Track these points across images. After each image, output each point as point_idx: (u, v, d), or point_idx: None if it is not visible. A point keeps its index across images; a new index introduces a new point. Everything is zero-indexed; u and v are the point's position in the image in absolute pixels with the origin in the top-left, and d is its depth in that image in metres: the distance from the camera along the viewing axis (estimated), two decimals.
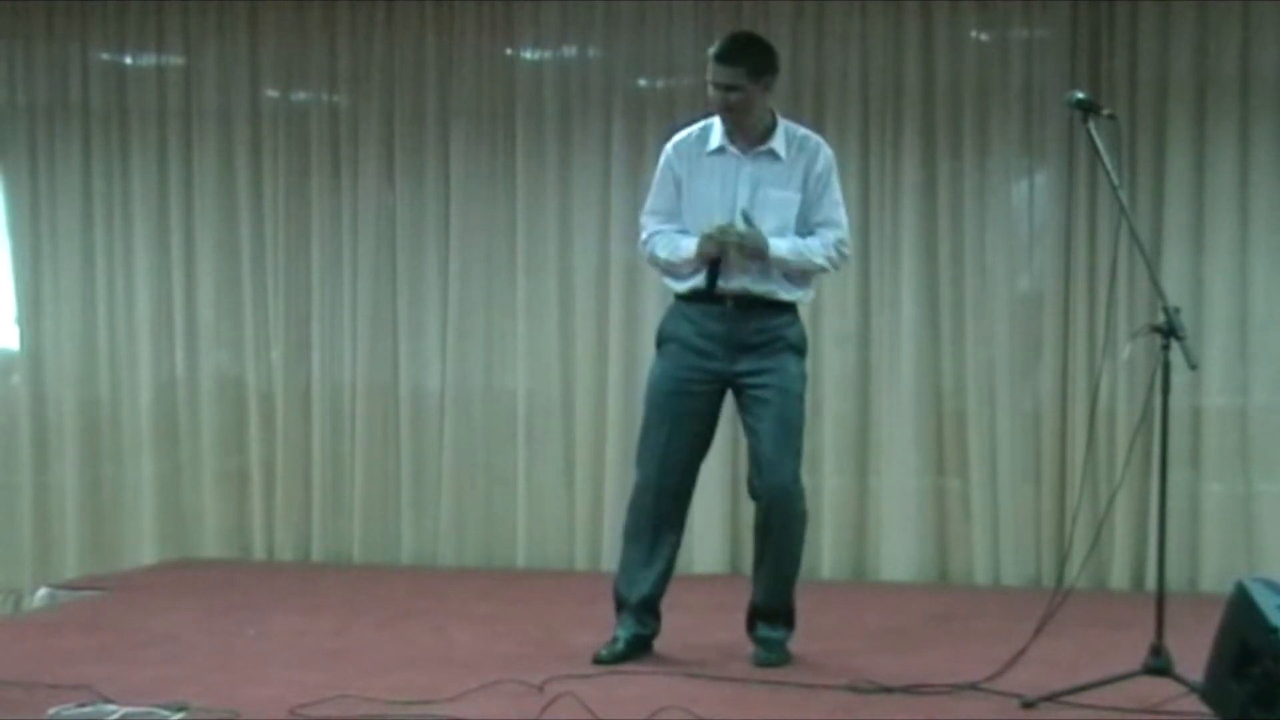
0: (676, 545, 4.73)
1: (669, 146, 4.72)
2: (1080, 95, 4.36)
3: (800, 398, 4.65)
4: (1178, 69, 6.29)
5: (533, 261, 6.86)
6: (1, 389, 7.47)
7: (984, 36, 6.53)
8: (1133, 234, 4.44)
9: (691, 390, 4.61)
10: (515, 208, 6.88)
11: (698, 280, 4.59)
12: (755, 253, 4.50)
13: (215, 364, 7.19)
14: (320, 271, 7.06)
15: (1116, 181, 4.27)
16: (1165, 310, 4.07)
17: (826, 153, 4.68)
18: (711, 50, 4.56)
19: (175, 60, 7.20)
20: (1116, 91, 6.25)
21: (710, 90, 4.55)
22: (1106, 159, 4.24)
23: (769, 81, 4.57)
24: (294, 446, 7.07)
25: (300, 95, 7.12)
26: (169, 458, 7.19)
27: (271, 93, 7.13)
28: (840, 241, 4.66)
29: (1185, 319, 4.12)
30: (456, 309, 6.95)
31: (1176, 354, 4.05)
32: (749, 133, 4.58)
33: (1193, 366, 4.08)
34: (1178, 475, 5.94)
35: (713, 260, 4.53)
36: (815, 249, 4.61)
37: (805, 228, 4.62)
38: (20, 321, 7.36)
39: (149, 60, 7.23)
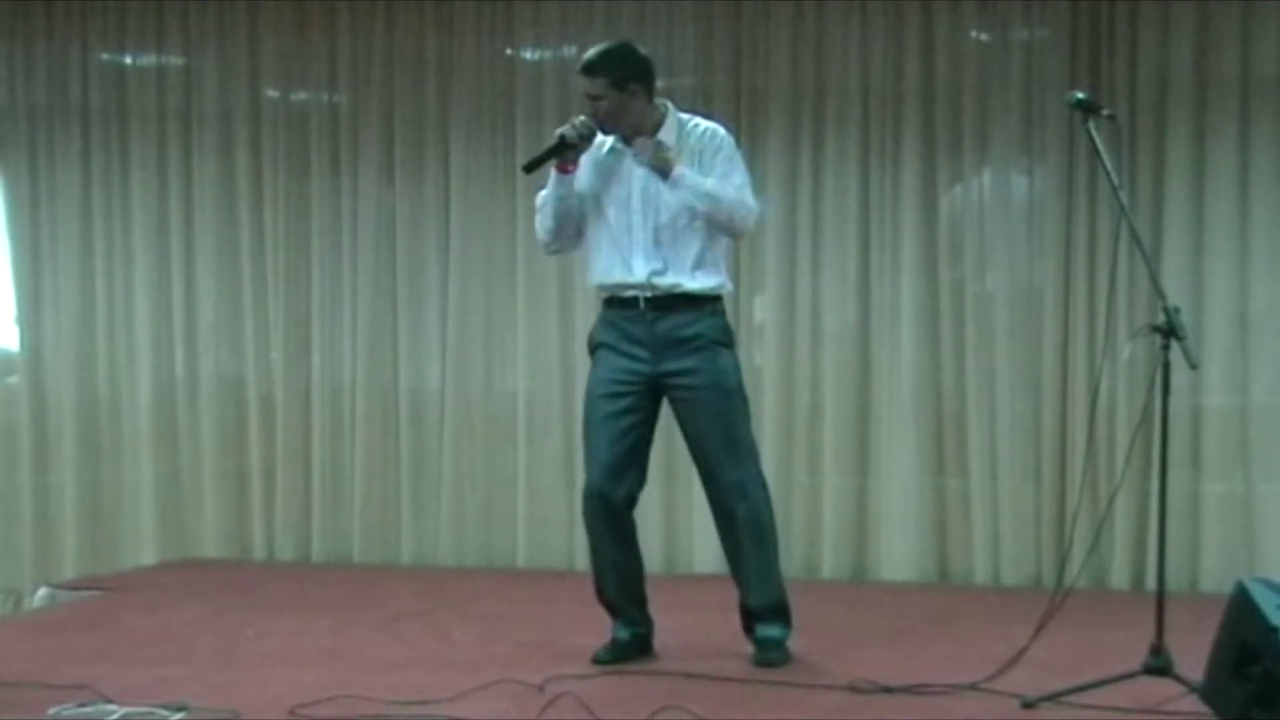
0: (634, 541, 4.71)
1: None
2: (1080, 95, 4.36)
3: (734, 391, 4.63)
4: (1178, 69, 6.28)
5: (532, 261, 6.85)
6: (1, 389, 7.47)
7: (984, 36, 6.53)
8: (1133, 234, 4.43)
9: (622, 392, 4.61)
10: (515, 208, 6.87)
11: (613, 277, 4.60)
12: (663, 163, 4.50)
13: (215, 364, 7.19)
14: (320, 271, 7.06)
15: (1116, 181, 4.27)
16: (1165, 310, 4.07)
17: (721, 136, 4.64)
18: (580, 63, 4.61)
19: (175, 60, 7.20)
20: (1116, 91, 6.24)
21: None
22: (1106, 159, 4.24)
23: (637, 88, 4.57)
24: (294, 446, 7.07)
25: (300, 95, 7.12)
26: (169, 458, 7.19)
27: (271, 93, 7.14)
28: (743, 190, 4.59)
29: (1185, 319, 4.12)
30: (456, 309, 6.95)
31: (1176, 354, 4.05)
32: (632, 132, 4.60)
33: (1193, 366, 4.08)
34: (1178, 475, 5.93)
35: (560, 139, 4.51)
36: (724, 186, 4.55)
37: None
38: (20, 321, 7.36)
39: (149, 60, 7.23)
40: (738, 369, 4.69)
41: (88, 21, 7.22)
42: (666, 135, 4.61)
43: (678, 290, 4.57)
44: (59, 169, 7.28)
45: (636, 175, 4.60)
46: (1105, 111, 4.36)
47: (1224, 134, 6.25)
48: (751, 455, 4.67)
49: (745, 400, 4.69)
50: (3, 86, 7.33)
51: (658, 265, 4.57)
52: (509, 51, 6.94)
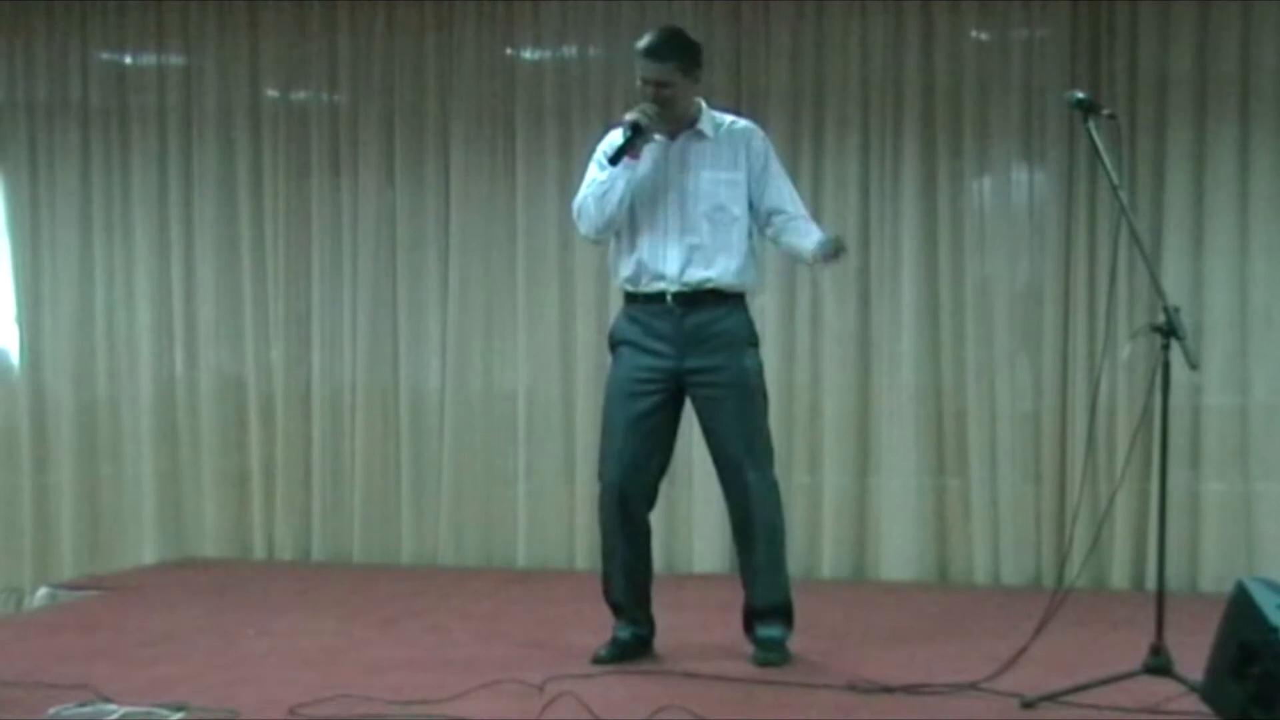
0: (648, 544, 4.72)
1: (606, 138, 4.69)
2: (1080, 95, 4.36)
3: (757, 391, 4.63)
4: (1178, 69, 6.28)
5: (533, 261, 6.86)
6: (1, 389, 7.47)
7: (984, 36, 6.53)
8: (1133, 234, 4.43)
9: (645, 391, 4.61)
10: (515, 208, 6.88)
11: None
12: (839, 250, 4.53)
13: (215, 364, 7.19)
14: (320, 271, 7.07)
15: (1116, 181, 4.27)
16: (1165, 310, 4.07)
17: (761, 138, 4.69)
18: (640, 45, 4.57)
19: (175, 60, 7.21)
20: (1116, 91, 6.25)
21: (640, 85, 4.55)
22: (1106, 159, 4.24)
23: (697, 75, 4.61)
24: (294, 446, 7.07)
25: (300, 95, 7.12)
26: (169, 458, 7.19)
27: (271, 93, 7.14)
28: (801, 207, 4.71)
29: (1185, 319, 4.12)
30: (456, 309, 6.95)
31: (1176, 354, 4.05)
32: (677, 123, 4.60)
33: (1193, 366, 4.08)
34: (1178, 475, 5.94)
35: (635, 127, 4.51)
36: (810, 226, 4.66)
37: (757, 213, 4.63)
38: (20, 321, 7.36)
39: (149, 60, 7.24)
40: (760, 368, 4.69)
41: (88, 21, 7.23)
42: (705, 124, 4.60)
43: (708, 285, 4.56)
44: (59, 169, 7.29)
45: (672, 167, 4.58)
46: (1105, 111, 4.35)
47: (1224, 134, 6.25)
48: (768, 456, 4.67)
49: (766, 400, 4.69)
50: (3, 86, 7.34)
51: (690, 260, 4.55)
52: (509, 51, 6.94)
